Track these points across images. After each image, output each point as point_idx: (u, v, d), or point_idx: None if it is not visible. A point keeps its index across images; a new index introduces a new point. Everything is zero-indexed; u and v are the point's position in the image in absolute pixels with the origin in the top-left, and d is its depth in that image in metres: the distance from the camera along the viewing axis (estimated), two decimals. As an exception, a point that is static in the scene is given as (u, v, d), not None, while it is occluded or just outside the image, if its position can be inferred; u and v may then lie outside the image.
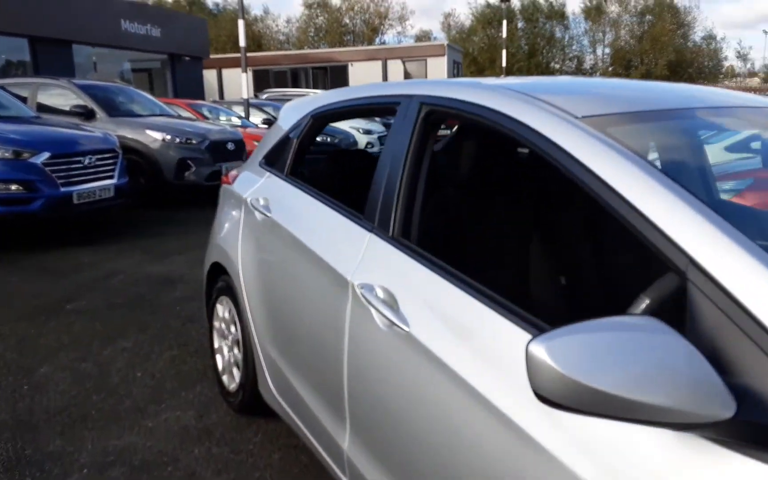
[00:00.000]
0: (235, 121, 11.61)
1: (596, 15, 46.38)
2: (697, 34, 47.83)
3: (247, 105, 12.62)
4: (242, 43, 12.94)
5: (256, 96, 17.55)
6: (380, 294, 1.66)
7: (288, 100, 15.02)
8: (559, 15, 46.90)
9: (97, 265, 5.36)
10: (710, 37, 48.33)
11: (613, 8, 45.96)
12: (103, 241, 6.25)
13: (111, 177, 6.58)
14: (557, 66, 46.40)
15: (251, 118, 12.28)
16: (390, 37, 50.30)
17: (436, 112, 1.84)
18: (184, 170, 8.17)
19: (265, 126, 12.02)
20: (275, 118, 13.64)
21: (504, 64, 25.35)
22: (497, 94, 1.63)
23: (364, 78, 24.48)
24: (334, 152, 3.32)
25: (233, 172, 3.16)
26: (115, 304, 4.35)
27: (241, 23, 12.99)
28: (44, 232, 6.41)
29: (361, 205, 2.02)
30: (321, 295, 1.97)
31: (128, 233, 6.71)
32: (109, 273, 5.12)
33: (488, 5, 46.32)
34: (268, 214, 2.46)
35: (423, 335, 1.49)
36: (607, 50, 46.94)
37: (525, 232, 2.08)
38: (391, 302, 1.62)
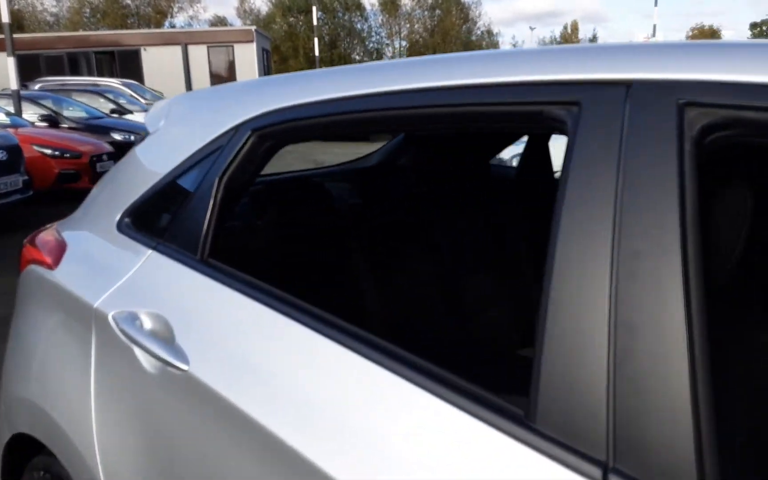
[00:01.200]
0: (2, 119, 8.92)
1: (392, 8, 47.75)
2: (480, 29, 52.20)
3: (18, 98, 9.86)
4: (5, 18, 10.04)
5: (24, 86, 14.20)
6: None
7: (72, 90, 12.14)
8: (356, 6, 47.36)
9: None
10: (489, 33, 53.30)
11: (406, 1, 47.83)
12: None
13: None
14: (358, 57, 46.81)
15: (24, 115, 9.61)
16: (180, 20, 46.31)
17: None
18: (-72, 192, 5.78)
19: (44, 124, 9.48)
20: (57, 113, 10.94)
21: (317, 53, 24.35)
22: None
23: (161, 65, 21.58)
24: (267, 188, 1.83)
25: (46, 236, 1.62)
26: None
27: (1, -7, 10.08)
28: None
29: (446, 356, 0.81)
30: None
31: None
32: None
33: (289, -8, 45.15)
34: (181, 365, 1.07)
35: None
36: (404, 43, 48.67)
37: None
38: None
